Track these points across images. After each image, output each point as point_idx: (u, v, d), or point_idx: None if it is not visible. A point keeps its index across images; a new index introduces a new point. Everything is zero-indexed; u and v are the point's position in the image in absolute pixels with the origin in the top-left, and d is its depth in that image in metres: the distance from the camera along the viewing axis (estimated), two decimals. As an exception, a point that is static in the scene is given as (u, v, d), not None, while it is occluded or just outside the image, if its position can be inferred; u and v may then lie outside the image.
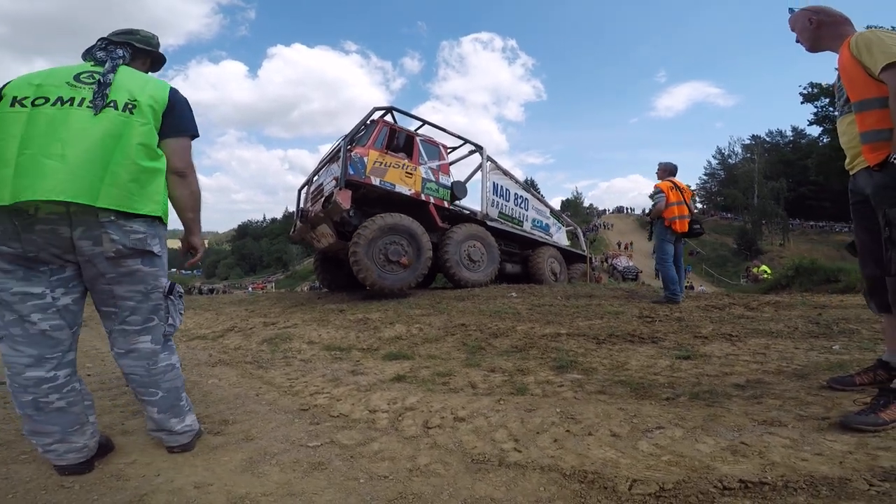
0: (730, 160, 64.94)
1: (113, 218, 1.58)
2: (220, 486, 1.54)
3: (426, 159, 7.33)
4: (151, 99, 1.70)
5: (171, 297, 1.84)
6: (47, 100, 1.58)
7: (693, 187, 71.21)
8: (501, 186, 8.53)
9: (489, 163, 8.30)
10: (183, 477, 1.61)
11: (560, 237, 10.27)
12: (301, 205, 8.44)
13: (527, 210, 9.11)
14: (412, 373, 3.04)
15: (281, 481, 1.58)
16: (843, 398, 2.08)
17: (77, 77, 1.66)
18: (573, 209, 70.05)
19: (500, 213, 8.36)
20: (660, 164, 5.76)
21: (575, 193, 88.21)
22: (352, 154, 6.40)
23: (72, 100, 1.60)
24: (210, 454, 1.80)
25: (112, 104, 1.63)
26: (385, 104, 7.34)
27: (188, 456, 1.78)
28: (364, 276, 6.19)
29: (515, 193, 8.87)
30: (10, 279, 1.55)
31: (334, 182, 6.36)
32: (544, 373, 2.88)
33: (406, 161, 6.97)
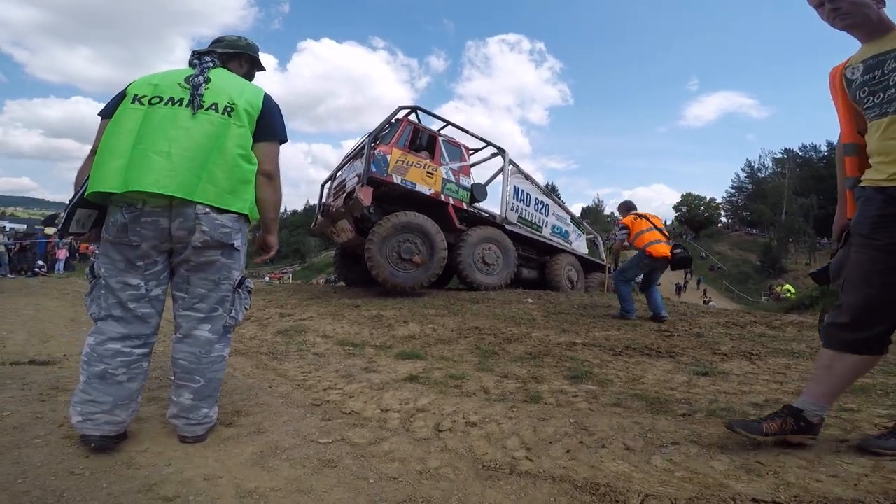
0: (759, 174, 63.49)
1: (207, 211, 1.71)
2: (229, 479, 1.55)
3: (448, 160, 7.34)
4: (248, 104, 1.84)
5: (240, 290, 1.93)
6: (161, 99, 1.75)
7: (719, 200, 70.09)
8: (522, 190, 8.47)
9: (511, 166, 8.26)
10: (193, 468, 1.61)
11: (579, 245, 10.15)
12: (323, 199, 8.52)
13: (547, 216, 9.04)
14: (425, 373, 3.04)
15: (291, 477, 1.58)
16: (863, 421, 2.02)
17: (186, 79, 1.82)
18: (594, 217, 69.44)
19: (519, 217, 8.30)
20: (619, 205, 6.26)
21: (596, 201, 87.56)
22: (375, 152, 6.45)
23: (181, 101, 1.76)
24: (221, 446, 1.80)
25: (213, 107, 1.77)
26: (410, 102, 7.42)
27: (199, 447, 1.78)
28: (377, 273, 6.26)
29: (536, 198, 8.79)
30: (114, 268, 1.73)
31: (357, 178, 6.42)
32: (558, 382, 2.85)
33: (428, 161, 6.99)
